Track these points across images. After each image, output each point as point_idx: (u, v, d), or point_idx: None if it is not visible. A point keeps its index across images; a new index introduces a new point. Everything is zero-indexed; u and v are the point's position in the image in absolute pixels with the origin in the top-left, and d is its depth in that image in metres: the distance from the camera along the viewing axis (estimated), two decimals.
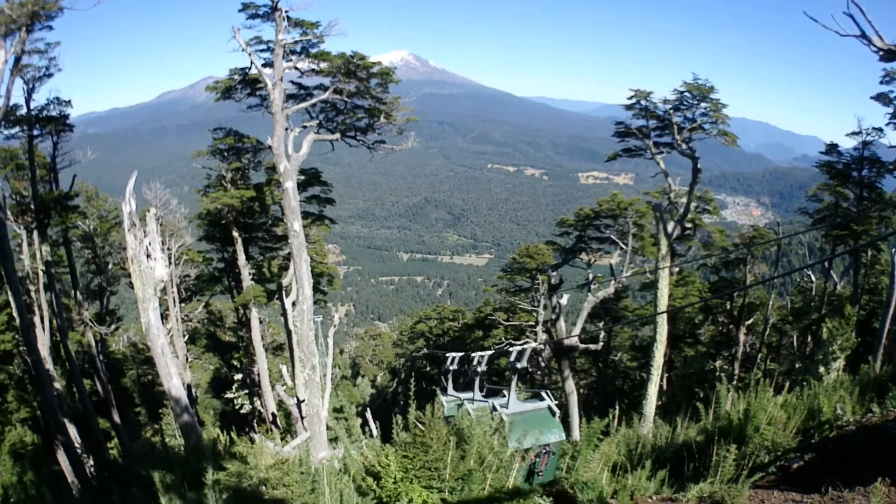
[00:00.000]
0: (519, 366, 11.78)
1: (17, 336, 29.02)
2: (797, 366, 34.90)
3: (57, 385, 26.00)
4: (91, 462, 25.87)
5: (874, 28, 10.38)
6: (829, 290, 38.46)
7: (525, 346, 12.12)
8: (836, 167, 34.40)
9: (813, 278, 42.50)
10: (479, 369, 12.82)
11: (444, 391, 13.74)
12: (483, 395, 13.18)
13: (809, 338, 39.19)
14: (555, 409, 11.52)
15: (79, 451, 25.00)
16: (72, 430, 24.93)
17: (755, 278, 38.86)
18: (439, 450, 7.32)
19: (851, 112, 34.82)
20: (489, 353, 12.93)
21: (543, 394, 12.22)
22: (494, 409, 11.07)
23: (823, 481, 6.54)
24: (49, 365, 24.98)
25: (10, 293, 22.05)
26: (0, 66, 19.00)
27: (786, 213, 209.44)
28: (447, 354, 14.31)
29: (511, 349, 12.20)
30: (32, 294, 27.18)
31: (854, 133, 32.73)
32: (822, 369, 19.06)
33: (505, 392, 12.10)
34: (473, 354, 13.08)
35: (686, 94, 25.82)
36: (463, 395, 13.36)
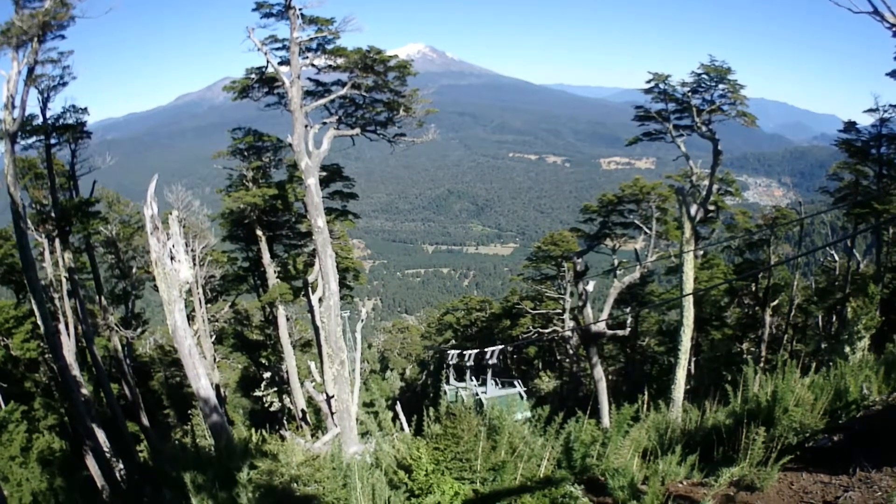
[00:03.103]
0: (491, 362, 14.57)
1: (42, 344, 29.35)
2: (823, 346, 34.85)
3: (84, 390, 26.18)
4: (121, 466, 26.01)
5: (886, 4, 10.34)
6: (853, 268, 38.29)
7: (495, 348, 16.60)
8: (854, 145, 34.18)
9: (836, 257, 42.32)
10: (468, 363, 15.16)
11: (448, 381, 16.10)
12: (478, 384, 15.49)
13: (834, 317, 39.02)
14: (523, 394, 14.52)
15: (108, 455, 25.16)
16: (100, 435, 25.11)
17: (779, 259, 38.75)
18: (470, 441, 7.34)
19: (868, 89, 34.53)
20: (475, 351, 16.58)
21: (515, 382, 15.17)
22: (477, 394, 13.40)
23: (851, 462, 6.53)
24: (75, 371, 25.15)
25: (33, 301, 22.16)
26: (14, 77, 19.15)
27: (807, 192, 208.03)
28: (448, 351, 17.28)
29: (486, 350, 16.26)
30: (56, 301, 27.34)
31: (871, 110, 32.51)
32: (847, 349, 18.97)
33: (497, 380, 14.94)
34: (465, 352, 15.60)
35: (704, 76, 25.79)
36: (459, 385, 15.65)
